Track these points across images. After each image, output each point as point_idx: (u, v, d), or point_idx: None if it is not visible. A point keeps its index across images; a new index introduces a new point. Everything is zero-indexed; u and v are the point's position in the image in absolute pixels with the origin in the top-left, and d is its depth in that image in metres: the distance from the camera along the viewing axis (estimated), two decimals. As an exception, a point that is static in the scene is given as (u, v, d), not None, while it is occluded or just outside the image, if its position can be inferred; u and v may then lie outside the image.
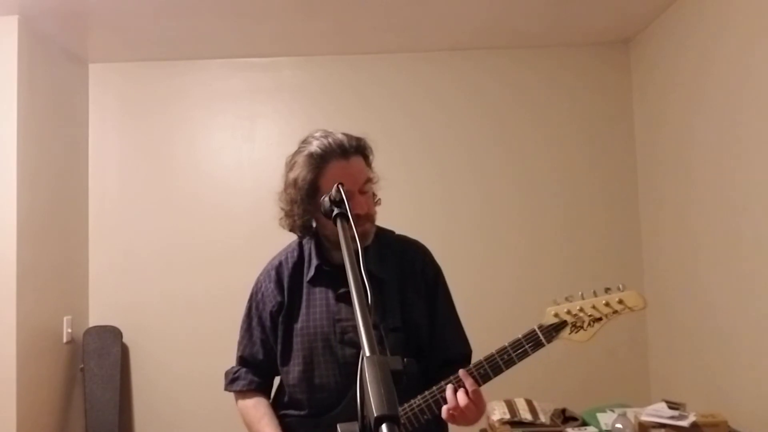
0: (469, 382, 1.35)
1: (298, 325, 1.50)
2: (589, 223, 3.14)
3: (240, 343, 1.61)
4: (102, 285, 3.20)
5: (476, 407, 1.34)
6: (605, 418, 2.50)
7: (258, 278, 1.62)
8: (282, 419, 1.52)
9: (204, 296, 3.14)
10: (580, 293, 1.39)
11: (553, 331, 1.37)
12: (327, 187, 1.42)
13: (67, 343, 2.99)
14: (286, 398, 1.55)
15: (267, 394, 1.60)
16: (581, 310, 1.36)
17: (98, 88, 3.27)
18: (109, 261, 3.21)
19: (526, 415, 2.56)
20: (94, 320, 3.17)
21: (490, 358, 1.37)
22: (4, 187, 2.60)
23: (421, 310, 1.53)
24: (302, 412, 1.50)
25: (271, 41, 3.07)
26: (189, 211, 3.23)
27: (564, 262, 3.11)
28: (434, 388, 1.37)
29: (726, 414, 2.25)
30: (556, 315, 1.38)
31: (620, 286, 1.37)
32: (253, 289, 1.62)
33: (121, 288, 3.19)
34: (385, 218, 3.42)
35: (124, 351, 3.14)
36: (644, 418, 2.28)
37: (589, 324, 1.37)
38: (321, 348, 1.48)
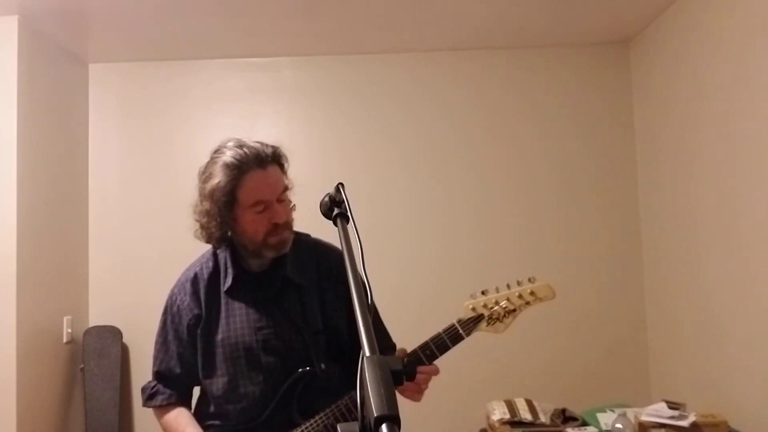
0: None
1: (218, 337, 1.50)
2: (588, 222, 3.14)
3: (156, 357, 1.59)
4: (102, 285, 3.20)
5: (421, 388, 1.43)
6: (605, 418, 2.51)
7: (172, 291, 1.60)
8: (206, 430, 1.52)
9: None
10: (495, 287, 1.45)
11: (472, 324, 1.43)
12: (245, 198, 1.43)
13: (67, 343, 2.99)
14: (211, 409, 1.54)
15: (188, 407, 1.59)
16: (496, 303, 1.43)
17: (98, 88, 3.27)
18: (109, 261, 3.21)
19: (526, 415, 2.56)
20: (94, 320, 3.17)
21: (412, 354, 1.40)
22: (4, 187, 2.60)
23: (341, 312, 1.53)
24: (229, 422, 1.51)
25: (271, 41, 3.07)
26: (189, 211, 3.22)
27: (564, 261, 3.10)
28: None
29: (726, 414, 2.25)
30: (473, 309, 1.43)
31: (531, 278, 1.46)
32: (167, 303, 1.60)
33: (121, 288, 3.19)
34: (384, 217, 3.42)
35: (124, 351, 3.14)
36: (644, 418, 2.28)
37: (504, 315, 1.43)
38: (244, 358, 1.48)
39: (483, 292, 1.45)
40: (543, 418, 2.56)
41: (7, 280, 2.57)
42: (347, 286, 1.56)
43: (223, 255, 1.56)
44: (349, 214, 1.17)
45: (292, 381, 1.46)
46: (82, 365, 3.03)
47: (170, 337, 1.57)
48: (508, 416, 2.56)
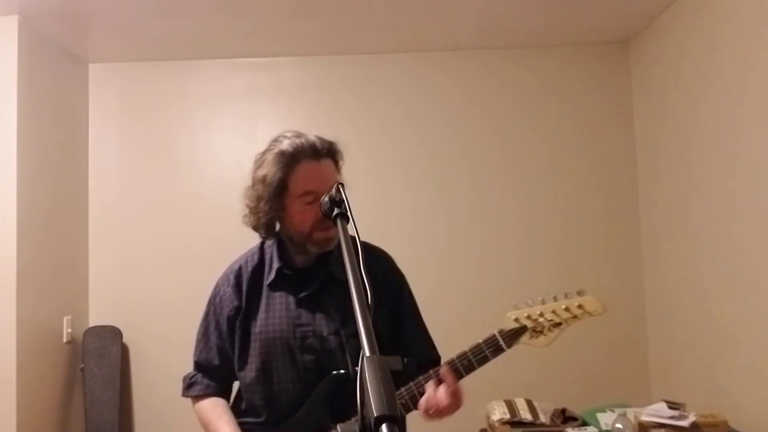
0: (450, 379, 1.32)
1: (255, 329, 1.48)
2: (589, 223, 3.14)
3: (196, 347, 1.59)
4: (102, 285, 3.20)
5: (454, 405, 1.33)
6: (605, 418, 2.50)
7: (217, 282, 1.60)
8: (239, 427, 1.49)
9: (204, 296, 3.10)
10: (540, 298, 1.38)
11: (514, 335, 1.36)
12: (295, 187, 1.43)
13: (67, 343, 2.99)
14: (243, 405, 1.52)
15: (226, 398, 1.57)
16: (541, 315, 1.36)
17: (98, 88, 3.28)
18: (109, 261, 3.21)
19: (526, 415, 2.56)
20: (94, 320, 3.17)
21: (450, 363, 1.36)
22: (4, 187, 2.60)
23: (383, 318, 1.49)
24: (259, 419, 1.48)
25: (271, 41, 3.07)
26: (189, 211, 3.23)
27: (564, 262, 3.10)
28: (411, 384, 1.35)
29: (726, 414, 2.25)
30: (516, 320, 1.37)
31: (579, 291, 1.38)
32: (211, 294, 1.60)
33: (121, 288, 3.19)
34: (383, 217, 3.42)
35: (124, 351, 3.14)
36: (644, 418, 2.28)
37: (549, 329, 1.36)
38: (280, 353, 1.45)
39: (527, 303, 1.38)
40: (543, 418, 2.56)
41: (7, 280, 2.57)
42: (390, 291, 1.53)
43: (270, 250, 1.55)
44: (349, 214, 1.18)
45: (326, 383, 1.43)
46: (82, 365, 3.03)
47: (211, 328, 1.56)
48: (508, 416, 2.55)
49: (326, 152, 1.46)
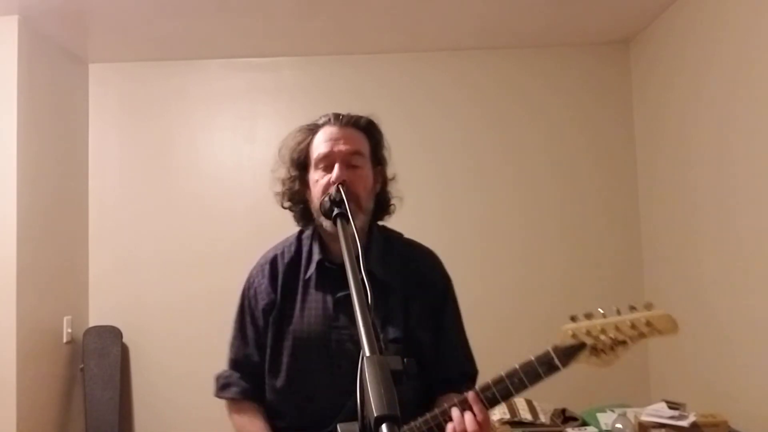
0: (478, 408, 1.21)
1: (290, 327, 1.37)
2: (589, 223, 3.14)
3: (232, 344, 1.46)
4: (102, 285, 3.20)
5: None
6: (605, 418, 2.50)
7: (250, 273, 1.48)
8: None
9: (204, 296, 3.14)
10: (600, 311, 1.21)
11: (570, 353, 1.22)
12: (313, 153, 1.40)
13: (67, 343, 2.99)
14: (270, 410, 1.43)
15: (262, 403, 1.45)
16: (603, 331, 1.19)
17: (98, 88, 3.28)
18: (109, 261, 3.21)
19: (526, 415, 2.56)
20: (94, 320, 3.17)
21: (498, 382, 1.22)
22: (4, 187, 2.60)
23: (426, 323, 1.39)
24: (287, 426, 1.38)
25: (271, 41, 3.07)
26: (189, 211, 3.23)
27: (564, 262, 3.10)
28: (437, 411, 1.22)
29: (726, 414, 2.25)
30: (574, 335, 1.21)
31: (647, 304, 1.20)
32: (244, 286, 1.48)
33: (121, 288, 3.19)
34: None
35: (124, 351, 3.14)
36: (644, 418, 2.29)
37: (611, 347, 1.20)
38: (315, 355, 1.34)
39: (587, 316, 1.21)
40: (543, 418, 2.56)
41: (7, 280, 2.57)
42: (435, 293, 1.45)
43: (308, 242, 1.44)
44: (348, 214, 1.17)
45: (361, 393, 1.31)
46: (82, 365, 3.03)
47: (247, 321, 1.44)
48: (508, 416, 2.55)
49: (353, 122, 1.42)
